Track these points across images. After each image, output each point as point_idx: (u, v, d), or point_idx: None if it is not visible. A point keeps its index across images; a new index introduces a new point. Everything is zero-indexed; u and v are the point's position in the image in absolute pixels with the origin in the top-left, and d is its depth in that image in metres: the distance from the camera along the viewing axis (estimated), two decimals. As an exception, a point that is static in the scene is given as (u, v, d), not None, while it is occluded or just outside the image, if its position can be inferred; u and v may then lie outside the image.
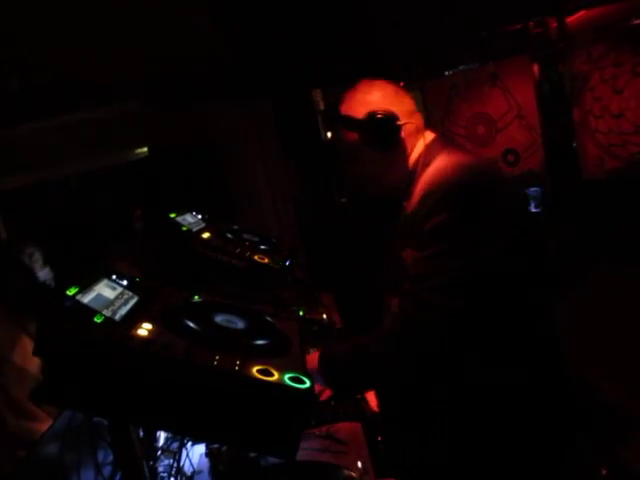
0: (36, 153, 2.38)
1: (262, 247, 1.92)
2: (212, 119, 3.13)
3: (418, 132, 1.39)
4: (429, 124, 2.95)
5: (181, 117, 3.00)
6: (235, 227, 2.05)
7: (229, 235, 1.92)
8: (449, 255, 1.20)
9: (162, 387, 0.90)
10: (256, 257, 1.77)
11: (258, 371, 0.92)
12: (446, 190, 1.23)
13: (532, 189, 2.85)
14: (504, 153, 2.72)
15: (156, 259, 1.89)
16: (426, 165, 1.34)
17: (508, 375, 1.30)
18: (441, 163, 1.31)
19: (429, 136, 1.41)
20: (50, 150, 2.63)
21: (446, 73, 2.98)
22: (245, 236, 1.99)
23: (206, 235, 1.82)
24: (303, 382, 0.93)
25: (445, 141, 1.43)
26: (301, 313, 2.38)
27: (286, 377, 0.93)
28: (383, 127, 1.33)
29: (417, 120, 1.40)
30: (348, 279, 3.12)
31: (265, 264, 1.76)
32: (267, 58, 2.74)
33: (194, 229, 1.84)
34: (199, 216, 2.00)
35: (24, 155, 2.38)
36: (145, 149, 3.24)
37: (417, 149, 1.39)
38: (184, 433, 1.14)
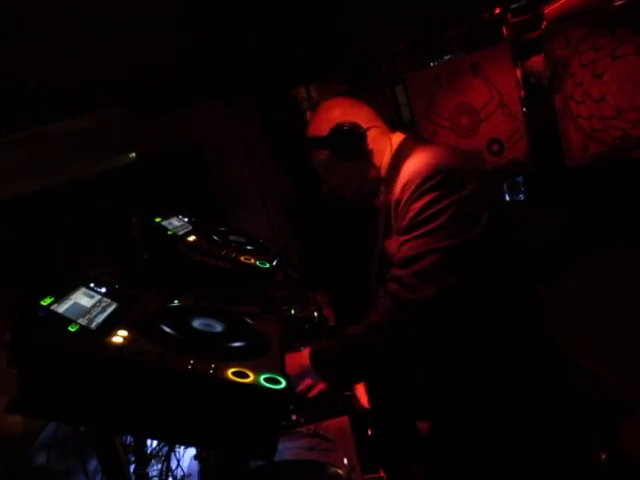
0: (19, 163, 2.38)
1: (248, 248, 1.92)
2: (197, 122, 3.13)
3: (383, 134, 1.45)
4: (413, 117, 2.96)
5: (166, 121, 2.99)
6: (222, 229, 2.05)
7: (215, 237, 1.92)
8: (437, 235, 1.22)
9: (138, 394, 0.90)
10: (242, 258, 1.77)
11: (233, 373, 0.92)
12: (427, 174, 1.26)
13: (518, 179, 2.86)
14: (489, 143, 2.71)
15: (143, 264, 1.89)
16: (403, 159, 1.38)
17: (494, 357, 1.32)
18: (419, 153, 1.35)
19: (398, 136, 1.47)
20: (33, 160, 2.62)
21: (431, 64, 2.97)
22: (232, 237, 1.99)
23: (192, 238, 1.82)
24: (279, 382, 0.93)
25: (418, 138, 1.47)
26: (293, 312, 2.38)
27: (261, 378, 0.93)
28: (348, 136, 1.40)
29: (379, 124, 1.46)
30: (341, 276, 3.12)
31: (251, 265, 1.76)
32: (249, 57, 2.73)
33: (180, 232, 1.83)
34: (185, 219, 2.00)
35: (7, 166, 2.37)
36: (133, 154, 3.24)
37: (387, 149, 1.44)
38: (162, 438, 1.14)
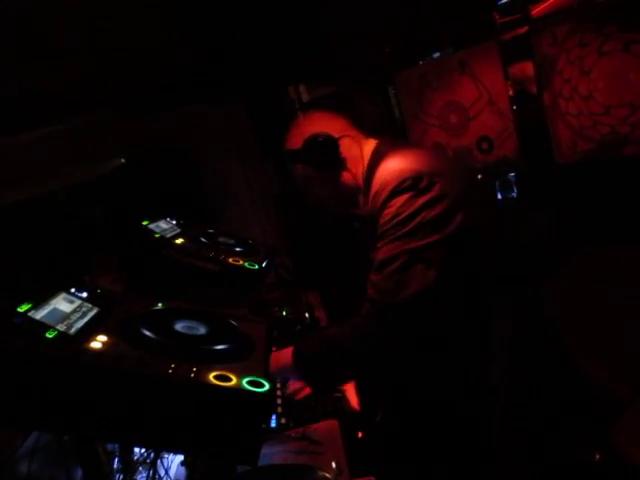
0: (8, 170, 2.35)
1: (237, 250, 1.91)
2: (187, 123, 3.11)
3: (357, 143, 1.47)
4: (403, 116, 2.95)
5: (155, 123, 2.97)
6: (210, 231, 2.03)
7: (203, 239, 1.91)
8: (408, 238, 1.25)
9: (118, 400, 0.88)
10: (230, 260, 1.76)
11: (215, 377, 0.90)
12: (395, 183, 1.29)
13: (511, 175, 2.86)
14: (478, 141, 2.70)
15: (133, 269, 1.88)
16: (375, 167, 1.40)
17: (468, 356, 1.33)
18: (388, 162, 1.38)
19: (371, 143, 1.48)
20: (25, 166, 2.60)
21: (420, 62, 2.96)
22: (220, 239, 1.98)
23: (179, 241, 1.81)
24: (262, 385, 0.91)
25: (391, 143, 1.49)
26: (284, 313, 2.36)
27: (244, 381, 0.91)
28: (320, 146, 1.44)
29: (353, 132, 1.49)
30: (334, 277, 3.11)
31: (239, 266, 1.75)
32: (238, 57, 2.72)
33: (168, 235, 1.82)
34: (174, 222, 1.98)
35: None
36: (122, 158, 3.21)
37: (363, 157, 1.46)
38: (144, 444, 1.12)
